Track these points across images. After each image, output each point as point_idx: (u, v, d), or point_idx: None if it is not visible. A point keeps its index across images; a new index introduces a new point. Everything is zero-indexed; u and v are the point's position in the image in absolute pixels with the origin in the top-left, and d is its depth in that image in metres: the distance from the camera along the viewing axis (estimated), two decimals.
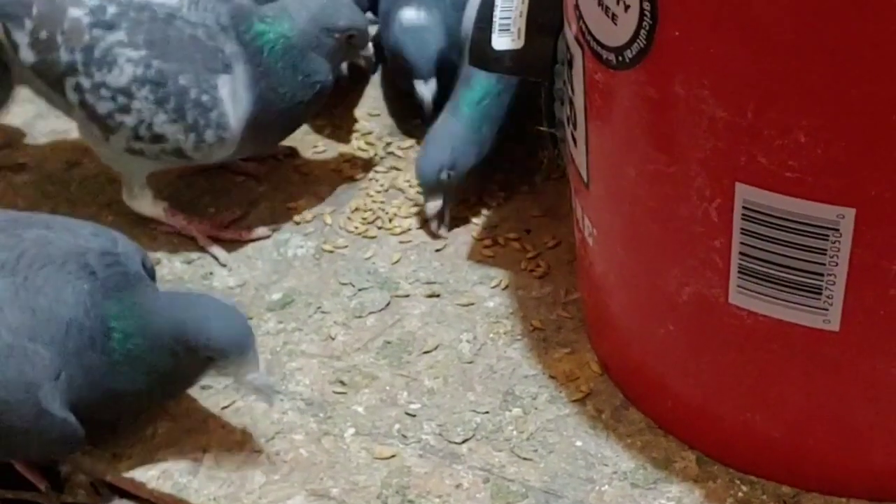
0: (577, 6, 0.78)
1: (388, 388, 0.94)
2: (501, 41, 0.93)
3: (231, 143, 1.01)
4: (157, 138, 1.00)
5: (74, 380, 0.83)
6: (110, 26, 0.98)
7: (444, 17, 1.12)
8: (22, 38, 0.99)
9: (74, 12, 0.98)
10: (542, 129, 0.98)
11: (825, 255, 0.72)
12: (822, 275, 0.73)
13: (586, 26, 0.77)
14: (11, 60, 1.02)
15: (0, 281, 0.83)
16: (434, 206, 1.05)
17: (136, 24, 0.98)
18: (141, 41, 0.98)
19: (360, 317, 1.00)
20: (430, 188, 1.05)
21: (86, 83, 0.98)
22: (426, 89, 1.11)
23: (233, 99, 0.99)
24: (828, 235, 0.71)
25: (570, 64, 0.82)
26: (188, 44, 0.99)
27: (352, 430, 0.91)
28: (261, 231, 1.07)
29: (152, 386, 0.85)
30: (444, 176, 1.04)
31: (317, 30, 1.02)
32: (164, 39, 0.98)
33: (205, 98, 0.98)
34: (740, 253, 0.75)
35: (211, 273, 1.04)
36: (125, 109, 0.99)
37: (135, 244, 0.91)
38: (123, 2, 0.99)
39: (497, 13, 0.94)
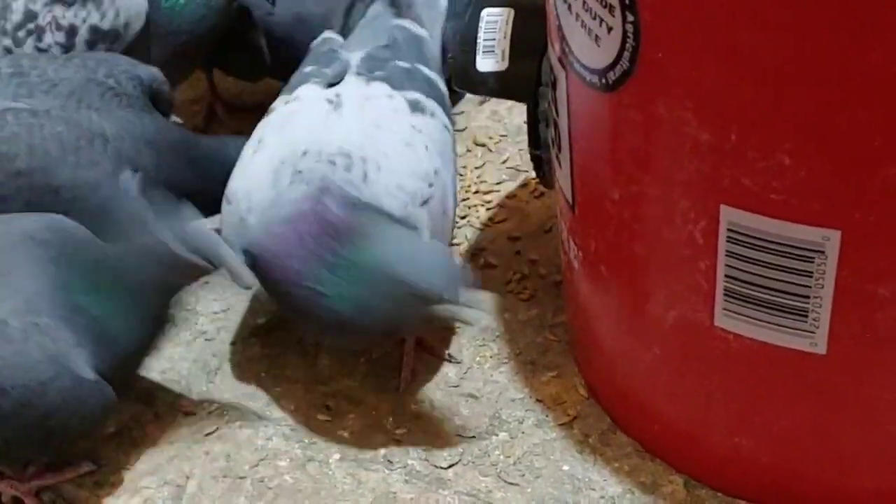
0: (560, 27, 0.78)
1: (373, 412, 0.93)
2: (485, 63, 0.93)
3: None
4: (72, 31, 1.02)
5: None
6: None
7: None
8: None
9: None
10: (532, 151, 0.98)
11: (811, 277, 0.71)
12: (807, 297, 0.72)
13: (569, 48, 0.77)
14: None
15: None
16: None
17: None
18: None
19: None
20: None
21: None
22: None
23: None
24: (813, 258, 0.70)
25: (555, 86, 0.82)
26: None
27: (337, 456, 0.90)
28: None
29: None
30: None
31: None
32: None
33: None
34: (725, 276, 0.74)
35: (195, 298, 1.04)
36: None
37: None
38: None
39: (481, 35, 0.93)
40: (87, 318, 0.83)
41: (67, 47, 1.03)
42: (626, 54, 0.71)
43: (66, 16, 1.03)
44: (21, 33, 1.03)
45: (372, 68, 0.95)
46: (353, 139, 0.89)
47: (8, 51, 1.02)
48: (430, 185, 0.89)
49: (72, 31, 1.03)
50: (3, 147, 0.92)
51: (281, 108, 0.94)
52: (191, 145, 0.99)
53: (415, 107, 0.93)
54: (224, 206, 0.90)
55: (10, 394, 0.80)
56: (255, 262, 0.86)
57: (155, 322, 0.87)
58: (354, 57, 0.96)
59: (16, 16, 1.03)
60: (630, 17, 0.69)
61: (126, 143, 0.94)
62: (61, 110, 0.94)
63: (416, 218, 0.88)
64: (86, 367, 0.82)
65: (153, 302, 0.86)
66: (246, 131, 0.95)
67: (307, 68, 0.97)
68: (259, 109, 0.98)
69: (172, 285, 0.88)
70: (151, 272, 0.83)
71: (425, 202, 0.89)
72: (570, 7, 0.75)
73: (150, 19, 1.05)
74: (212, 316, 1.02)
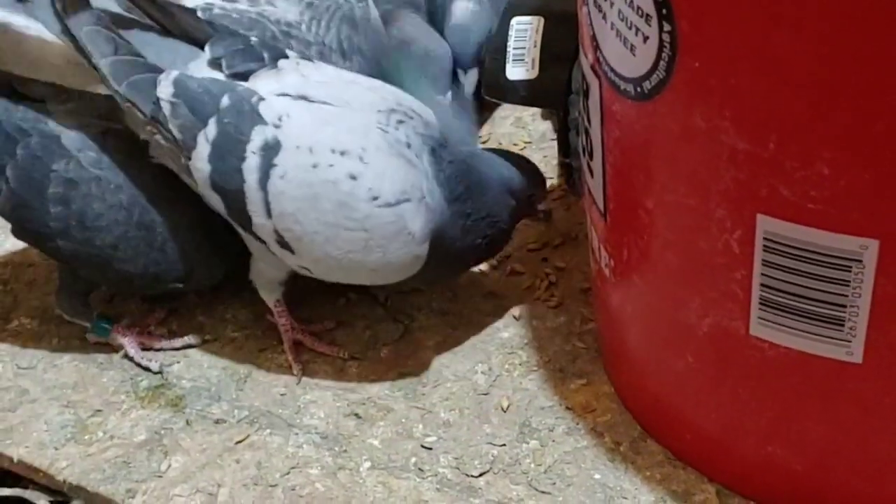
0: (593, 36, 0.78)
1: (403, 420, 0.93)
2: (515, 71, 0.93)
3: None
4: None
5: None
6: None
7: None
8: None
9: None
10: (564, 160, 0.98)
11: (848, 286, 0.71)
12: (844, 306, 0.72)
13: (603, 56, 0.77)
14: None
15: None
16: None
17: None
18: None
19: (374, 348, 0.99)
20: None
21: None
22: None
23: None
24: (850, 267, 0.70)
25: (587, 94, 0.82)
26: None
27: (368, 464, 0.90)
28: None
29: None
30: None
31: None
32: None
33: None
34: (761, 284, 0.74)
35: (224, 305, 1.04)
36: None
37: None
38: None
39: (511, 43, 0.94)
40: None
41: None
42: (663, 63, 0.71)
43: None
44: None
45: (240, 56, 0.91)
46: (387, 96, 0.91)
47: None
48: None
49: None
50: None
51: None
52: None
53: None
54: None
55: None
56: None
57: None
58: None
59: None
60: (667, 27, 0.69)
61: None
62: None
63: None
64: None
65: None
66: None
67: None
68: None
69: None
70: None
71: None
72: (604, 16, 0.75)
73: None
74: (241, 323, 1.02)
